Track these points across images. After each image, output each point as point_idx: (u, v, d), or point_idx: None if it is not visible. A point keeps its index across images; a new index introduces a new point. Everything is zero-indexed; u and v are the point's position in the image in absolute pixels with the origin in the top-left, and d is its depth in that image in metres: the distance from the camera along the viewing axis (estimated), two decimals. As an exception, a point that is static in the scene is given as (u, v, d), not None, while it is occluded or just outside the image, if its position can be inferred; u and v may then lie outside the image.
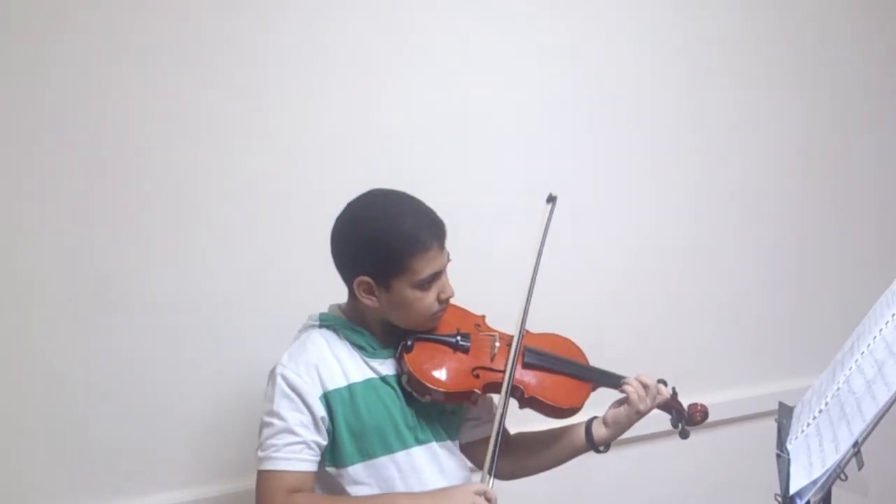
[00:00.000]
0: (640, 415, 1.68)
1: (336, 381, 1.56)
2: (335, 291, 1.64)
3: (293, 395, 1.53)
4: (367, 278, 1.56)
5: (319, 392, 1.55)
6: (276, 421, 1.53)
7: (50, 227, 1.79)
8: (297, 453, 1.52)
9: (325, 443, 1.56)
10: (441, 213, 1.60)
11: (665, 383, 1.73)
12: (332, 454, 1.58)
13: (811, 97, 2.65)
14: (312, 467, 1.55)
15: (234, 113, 1.91)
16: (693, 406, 1.76)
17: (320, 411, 1.54)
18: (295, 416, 1.53)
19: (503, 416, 1.57)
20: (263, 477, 1.53)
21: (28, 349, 1.79)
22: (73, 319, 1.82)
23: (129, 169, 1.84)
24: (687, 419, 1.75)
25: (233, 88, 1.91)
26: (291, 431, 1.52)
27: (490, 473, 1.54)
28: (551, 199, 1.73)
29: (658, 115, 2.41)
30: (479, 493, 1.51)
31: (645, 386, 1.68)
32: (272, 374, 1.57)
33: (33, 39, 1.74)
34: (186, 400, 1.93)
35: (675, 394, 1.75)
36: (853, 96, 2.72)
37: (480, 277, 1.93)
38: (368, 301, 1.58)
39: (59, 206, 1.79)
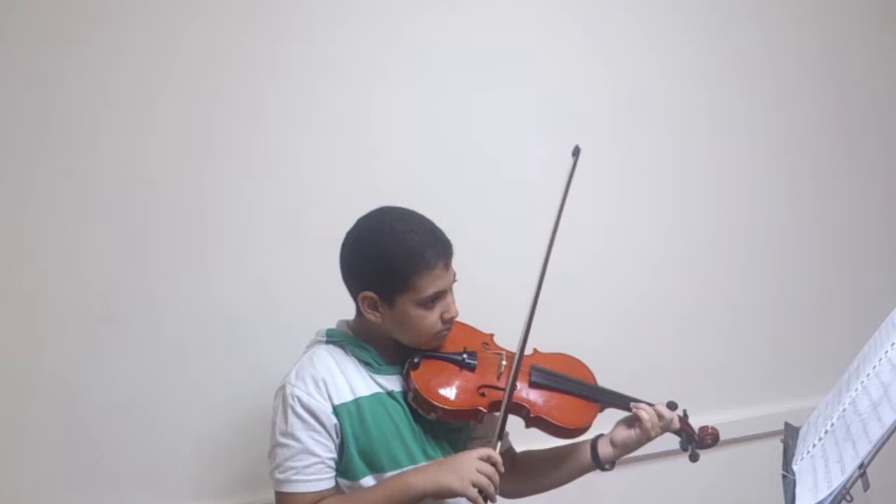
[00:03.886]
0: (649, 440, 1.68)
1: (343, 396, 1.57)
2: (343, 308, 1.65)
3: (307, 416, 1.54)
4: (371, 293, 1.56)
5: (330, 407, 1.55)
6: (292, 443, 1.54)
7: (57, 239, 1.80)
8: (317, 473, 1.54)
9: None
10: (452, 231, 1.60)
11: (675, 405, 1.72)
12: (343, 468, 1.58)
13: (825, 110, 2.63)
14: (332, 482, 1.57)
15: (245, 127, 1.93)
16: (704, 429, 1.74)
17: (333, 420, 1.55)
18: (311, 437, 1.54)
19: (504, 422, 1.55)
20: (285, 499, 1.55)
21: (35, 362, 1.81)
22: (81, 332, 1.83)
23: (138, 183, 1.85)
24: (697, 442, 1.73)
25: (245, 102, 1.92)
26: (310, 452, 1.53)
27: (499, 439, 1.54)
28: (576, 153, 1.68)
29: (669, 139, 2.41)
30: (483, 458, 1.51)
31: (660, 416, 1.67)
32: (281, 393, 1.57)
33: (40, 51, 1.76)
34: (193, 414, 1.93)
35: (685, 417, 1.74)
36: (866, 106, 2.70)
37: (489, 296, 1.93)
38: (372, 316, 1.58)
39: (66, 219, 1.80)
